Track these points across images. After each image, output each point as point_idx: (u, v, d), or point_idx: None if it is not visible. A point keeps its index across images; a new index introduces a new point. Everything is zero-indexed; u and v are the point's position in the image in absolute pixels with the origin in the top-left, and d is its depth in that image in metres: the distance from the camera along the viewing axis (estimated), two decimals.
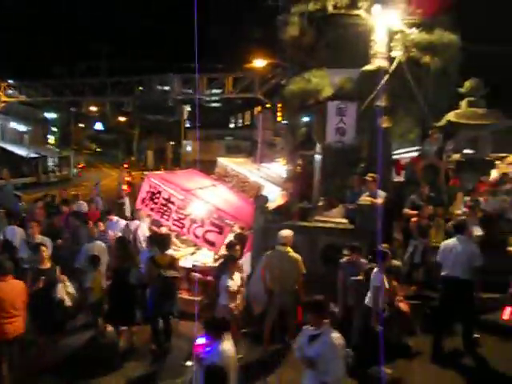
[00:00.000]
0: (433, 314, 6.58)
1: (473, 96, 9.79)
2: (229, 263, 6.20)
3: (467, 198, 7.86)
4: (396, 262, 6.65)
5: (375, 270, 5.80)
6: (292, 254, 6.35)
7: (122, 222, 9.10)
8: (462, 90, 9.86)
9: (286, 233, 6.50)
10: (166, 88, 23.08)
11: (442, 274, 6.20)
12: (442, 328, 6.27)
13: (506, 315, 6.63)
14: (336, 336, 3.92)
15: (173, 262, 6.53)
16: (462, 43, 8.60)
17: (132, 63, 33.31)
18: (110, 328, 6.38)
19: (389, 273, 6.19)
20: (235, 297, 6.08)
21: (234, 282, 6.04)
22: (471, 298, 6.04)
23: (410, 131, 13.59)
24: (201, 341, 4.39)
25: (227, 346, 4.13)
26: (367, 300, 5.78)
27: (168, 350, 6.32)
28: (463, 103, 9.85)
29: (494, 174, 9.87)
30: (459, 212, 7.78)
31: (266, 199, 7.81)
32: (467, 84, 9.85)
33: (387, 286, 5.95)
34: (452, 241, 6.25)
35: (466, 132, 9.60)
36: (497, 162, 10.58)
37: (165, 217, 7.99)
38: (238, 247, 6.67)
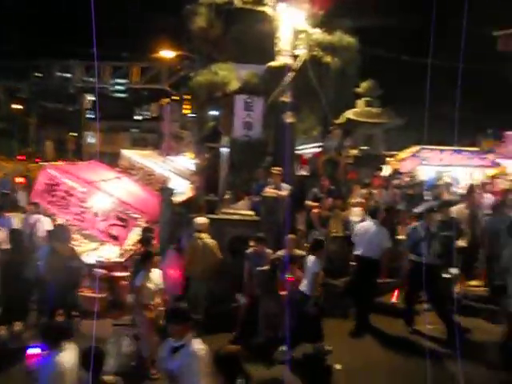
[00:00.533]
0: (346, 292, 7.00)
1: (369, 96, 10.55)
2: (146, 259, 5.81)
3: (363, 191, 8.46)
4: (299, 252, 6.97)
5: (311, 257, 6.10)
6: (210, 240, 6.54)
7: (14, 219, 8.42)
8: (359, 90, 10.59)
9: (202, 220, 6.72)
10: (67, 75, 21.69)
11: (356, 253, 6.83)
12: (362, 302, 6.76)
13: (394, 298, 7.33)
14: (200, 347, 3.55)
15: (75, 253, 6.22)
16: (360, 46, 9.22)
17: (29, 47, 30.74)
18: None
19: (293, 262, 6.51)
20: (154, 295, 5.69)
21: (152, 278, 5.68)
22: (377, 278, 6.75)
23: (314, 128, 14.27)
24: (33, 351, 4.00)
25: (66, 356, 3.63)
26: (303, 287, 6.01)
27: None
28: (360, 102, 10.56)
29: (387, 170, 10.77)
30: (353, 201, 8.35)
31: (171, 192, 7.73)
32: (364, 85, 10.60)
33: (299, 273, 6.32)
34: (366, 224, 6.92)
35: (363, 129, 10.33)
36: (388, 159, 11.57)
37: (64, 210, 7.54)
38: (155, 242, 6.47)
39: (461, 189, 10.14)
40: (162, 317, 5.52)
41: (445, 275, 7.10)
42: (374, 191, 8.64)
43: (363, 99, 10.54)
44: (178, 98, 22.40)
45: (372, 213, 7.12)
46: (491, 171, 13.12)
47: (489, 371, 5.51)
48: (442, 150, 13.59)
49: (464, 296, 7.78)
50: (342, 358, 5.77)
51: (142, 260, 5.82)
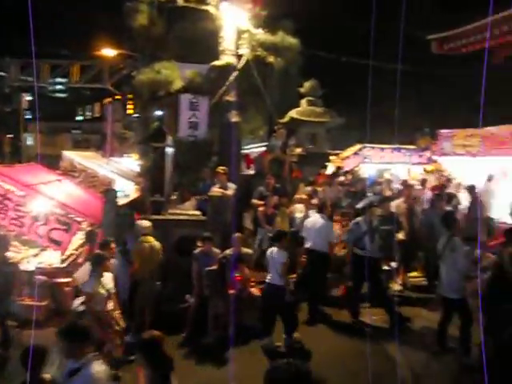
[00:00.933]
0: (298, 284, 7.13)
1: (312, 96, 10.79)
2: (98, 263, 5.48)
3: (308, 188, 8.66)
4: (247, 250, 7.04)
5: (275, 249, 6.19)
6: (156, 243, 6.48)
7: None
8: (302, 89, 10.82)
9: (146, 223, 6.66)
10: (1, 73, 20.56)
11: (306, 246, 7.03)
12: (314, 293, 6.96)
13: (340, 291, 7.55)
14: (99, 370, 3.13)
15: (8, 259, 5.93)
16: (303, 47, 9.43)
17: None
18: None
19: (240, 261, 6.57)
20: (106, 300, 5.42)
21: (104, 283, 5.40)
22: (326, 269, 7.02)
23: (260, 128, 14.43)
24: None
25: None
26: (273, 280, 6.08)
27: (5, 361, 5.69)
28: (303, 102, 10.79)
29: (331, 168, 11.09)
30: (297, 198, 8.54)
31: (115, 194, 7.56)
32: (307, 85, 10.84)
33: (247, 271, 6.52)
34: (314, 218, 7.14)
35: (306, 128, 10.56)
36: (332, 157, 11.91)
37: (0, 215, 7.16)
38: (112, 245, 6.22)
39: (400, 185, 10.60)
40: (118, 321, 5.43)
41: (386, 267, 7.41)
42: (319, 188, 8.85)
43: (306, 99, 10.77)
44: (120, 97, 21.84)
45: (320, 208, 7.34)
46: (428, 167, 13.86)
47: (426, 354, 5.81)
48: (382, 148, 14.17)
49: (404, 287, 8.17)
50: None
51: (93, 264, 5.53)
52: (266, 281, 6.25)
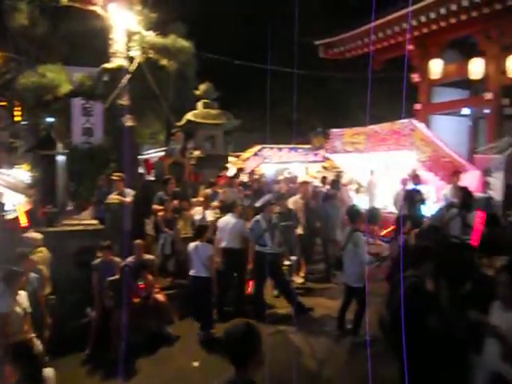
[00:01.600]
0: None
1: (207, 98, 10.87)
2: (11, 280, 4.84)
3: (208, 191, 8.70)
4: (149, 257, 6.90)
5: (199, 243, 6.23)
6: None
7: None
8: (198, 92, 10.86)
9: (36, 235, 6.34)
10: None
11: (222, 246, 7.09)
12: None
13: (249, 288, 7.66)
14: None
15: None
16: (198, 50, 9.45)
17: None
18: None
19: (143, 268, 6.41)
20: (22, 321, 4.82)
21: (20, 302, 4.83)
22: (244, 265, 7.13)
23: (159, 132, 14.21)
24: None
25: None
26: (201, 273, 6.13)
27: None
28: (199, 104, 10.83)
29: (232, 169, 11.26)
30: (195, 201, 8.56)
31: (2, 207, 6.97)
32: (202, 87, 10.88)
33: (151, 278, 6.37)
34: (226, 218, 7.24)
35: (203, 131, 10.59)
36: (233, 159, 12.12)
37: None
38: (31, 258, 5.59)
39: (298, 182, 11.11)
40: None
41: (287, 262, 7.71)
42: (219, 190, 8.94)
43: (202, 101, 10.81)
44: (5, 103, 20.03)
45: (229, 207, 7.53)
46: (326, 165, 14.73)
47: (327, 339, 6.16)
48: (280, 149, 14.82)
49: (306, 278, 8.58)
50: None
51: (6, 280, 4.83)
52: (191, 274, 6.29)
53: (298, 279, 8.48)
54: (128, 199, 7.33)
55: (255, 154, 15.11)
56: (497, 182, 9.18)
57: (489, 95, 10.12)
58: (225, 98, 11.56)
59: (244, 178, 11.37)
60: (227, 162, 11.12)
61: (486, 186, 9.32)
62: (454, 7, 9.08)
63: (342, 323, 6.26)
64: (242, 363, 2.34)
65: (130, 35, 8.44)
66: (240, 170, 11.11)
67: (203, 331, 6.25)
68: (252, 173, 12.16)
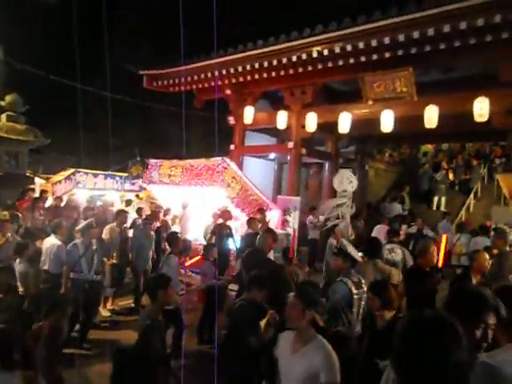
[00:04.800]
0: None
1: (13, 111, 9.88)
2: None
3: (5, 213, 7.79)
4: None
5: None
6: None
7: None
8: (2, 103, 9.78)
9: None
10: None
11: (45, 268, 6.87)
12: None
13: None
14: None
15: None
16: (6, 58, 8.56)
17: None
18: None
19: None
20: None
21: None
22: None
23: None
24: None
25: None
26: None
27: None
28: (3, 117, 9.78)
29: (38, 192, 10.30)
30: None
31: None
32: (8, 98, 9.87)
33: None
34: (49, 239, 7.03)
35: (6, 147, 9.54)
36: (41, 181, 11.06)
37: None
38: None
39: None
40: None
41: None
42: (20, 214, 8.08)
43: (6, 113, 9.76)
44: None
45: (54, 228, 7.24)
46: (141, 195, 14.55)
47: None
48: (96, 175, 14.09)
49: (113, 311, 8.26)
50: None
51: None
52: None
53: (105, 312, 8.11)
54: None
55: (68, 178, 14.07)
56: (294, 220, 10.45)
57: (291, 144, 11.55)
58: (37, 115, 10.65)
59: (54, 201, 10.49)
60: (32, 182, 10.12)
61: (285, 223, 10.51)
62: (265, 64, 10.24)
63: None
64: None
65: None
66: (44, 193, 10.19)
67: None
68: (62, 198, 11.31)
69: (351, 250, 4.16)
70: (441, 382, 1.46)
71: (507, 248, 5.80)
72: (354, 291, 3.96)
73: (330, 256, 7.33)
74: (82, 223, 7.44)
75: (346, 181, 9.94)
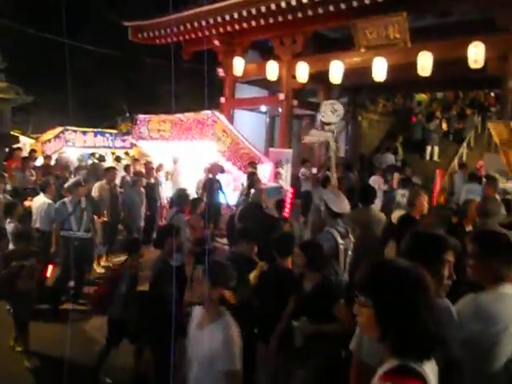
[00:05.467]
0: None
1: None
2: None
3: None
4: None
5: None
6: None
7: None
8: None
9: None
10: None
11: (36, 226, 6.82)
12: None
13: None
14: None
15: None
16: None
17: None
18: None
19: None
20: None
21: None
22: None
23: None
24: None
25: None
26: None
27: None
28: None
29: (26, 151, 10.16)
30: None
31: None
32: None
33: None
34: (38, 198, 7.00)
35: None
36: (31, 140, 10.87)
37: None
38: None
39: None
40: None
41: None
42: (4, 173, 7.98)
43: None
44: None
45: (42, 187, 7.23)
46: (131, 152, 14.41)
47: None
48: (85, 132, 13.90)
49: (107, 268, 8.34)
50: None
51: None
52: None
53: (99, 268, 8.20)
54: None
55: (57, 137, 13.87)
56: (286, 173, 10.42)
57: (282, 96, 11.32)
58: (21, 72, 10.31)
59: (45, 160, 10.35)
60: (17, 142, 9.96)
61: (277, 176, 10.48)
62: (253, 11, 9.84)
63: None
64: None
65: None
66: (33, 153, 10.04)
67: None
68: (55, 156, 11.19)
69: (332, 202, 4.13)
70: (413, 325, 1.46)
71: (496, 195, 5.80)
72: (340, 241, 3.97)
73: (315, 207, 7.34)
74: (71, 180, 7.35)
75: (331, 111, 9.75)
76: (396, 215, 5.42)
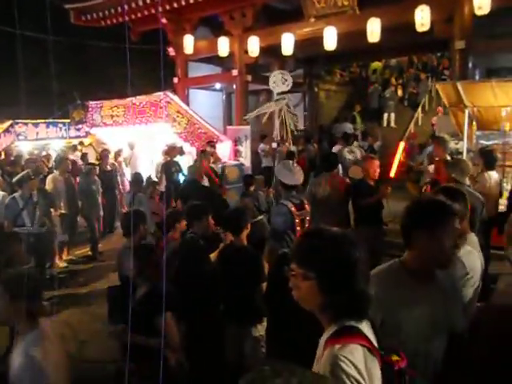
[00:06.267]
0: None
1: None
2: None
3: None
4: None
5: None
6: None
7: None
8: None
9: None
10: None
11: None
12: None
13: None
14: None
15: None
16: None
17: None
18: None
19: None
20: None
21: None
22: None
23: None
24: None
25: None
26: None
27: None
28: None
29: None
30: None
31: None
32: None
33: None
34: None
35: None
36: None
37: None
38: None
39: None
40: None
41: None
42: None
43: None
44: None
45: None
46: (86, 141, 13.96)
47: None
48: (36, 124, 13.35)
49: (70, 261, 8.18)
50: None
51: None
52: None
53: (61, 263, 8.01)
54: None
55: (6, 131, 13.27)
56: (245, 150, 10.36)
57: (235, 72, 11.16)
58: None
59: None
60: None
61: (237, 153, 10.41)
62: None
63: None
64: None
65: None
66: None
67: None
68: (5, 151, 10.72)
69: (282, 175, 4.13)
70: (354, 289, 1.47)
71: (447, 156, 5.94)
72: (296, 212, 3.98)
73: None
74: (19, 174, 7.05)
75: (281, 81, 9.74)
76: (353, 170, 5.66)
